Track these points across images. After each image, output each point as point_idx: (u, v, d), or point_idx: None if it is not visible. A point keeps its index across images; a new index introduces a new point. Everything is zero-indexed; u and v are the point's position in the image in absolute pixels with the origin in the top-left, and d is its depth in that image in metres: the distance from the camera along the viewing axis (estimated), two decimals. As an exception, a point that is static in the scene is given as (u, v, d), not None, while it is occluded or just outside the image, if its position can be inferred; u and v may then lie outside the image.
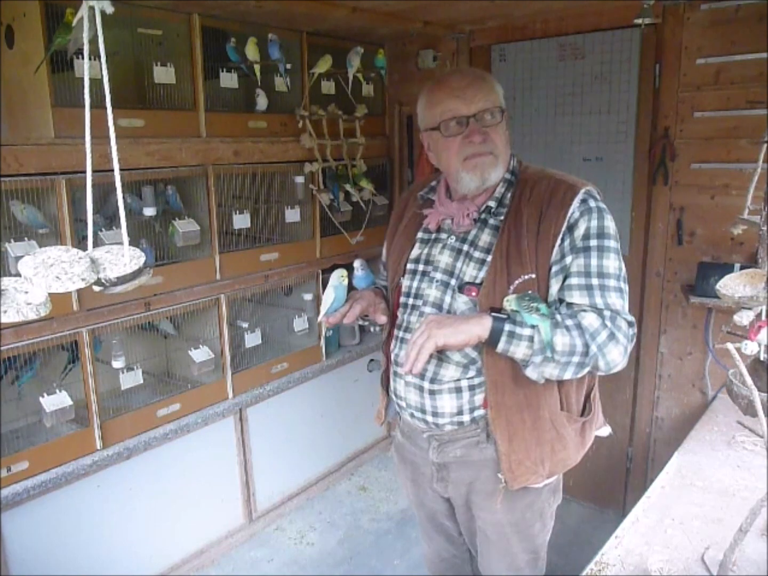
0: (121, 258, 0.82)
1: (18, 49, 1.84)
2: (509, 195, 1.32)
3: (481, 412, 1.35)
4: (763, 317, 1.48)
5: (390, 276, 1.50)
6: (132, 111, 2.04)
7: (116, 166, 0.81)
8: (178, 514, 2.36)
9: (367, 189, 2.80)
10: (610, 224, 1.26)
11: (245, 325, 2.55)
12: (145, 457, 2.19)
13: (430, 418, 1.38)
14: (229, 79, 2.32)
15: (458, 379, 1.34)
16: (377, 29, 2.60)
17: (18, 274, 0.77)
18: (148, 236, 2.18)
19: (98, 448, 2.05)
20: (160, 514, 2.30)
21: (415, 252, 1.43)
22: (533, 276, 1.25)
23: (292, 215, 2.59)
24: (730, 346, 1.27)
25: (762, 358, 1.51)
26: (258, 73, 2.36)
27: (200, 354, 2.33)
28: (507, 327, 1.17)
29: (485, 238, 1.32)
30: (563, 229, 1.24)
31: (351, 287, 1.52)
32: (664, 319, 2.44)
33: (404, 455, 1.58)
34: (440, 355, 1.32)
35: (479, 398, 1.34)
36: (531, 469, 1.36)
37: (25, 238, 1.81)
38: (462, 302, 1.30)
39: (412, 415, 1.42)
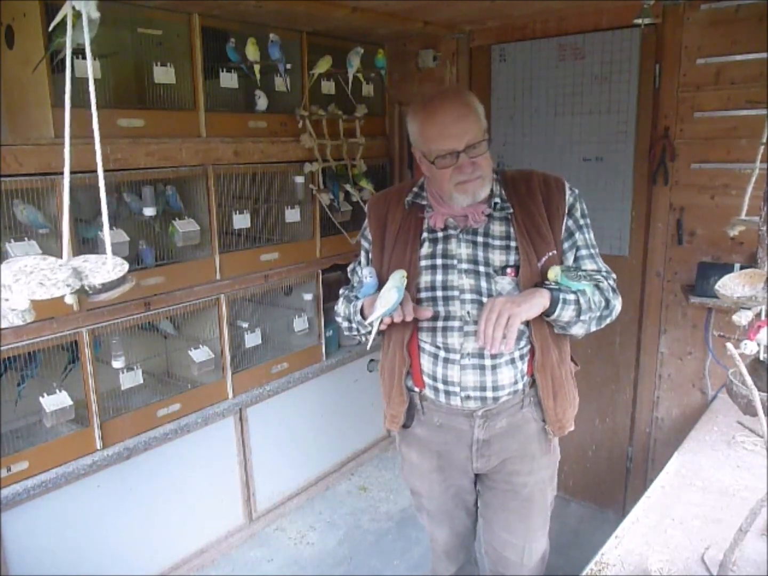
0: (102, 266, 0.82)
1: (18, 49, 1.84)
2: (503, 191, 1.52)
3: (527, 378, 1.54)
4: (763, 317, 1.48)
5: None
6: (132, 111, 2.03)
7: (100, 167, 0.81)
8: (178, 514, 2.36)
9: (367, 189, 2.80)
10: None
11: (245, 325, 2.55)
12: (145, 457, 2.19)
13: (490, 394, 1.51)
14: (229, 79, 2.32)
15: (513, 351, 1.50)
16: (377, 29, 2.60)
17: None
18: (148, 236, 2.19)
19: (98, 448, 2.05)
20: (160, 514, 2.30)
21: (426, 250, 1.53)
22: (554, 252, 1.47)
23: (292, 215, 2.59)
24: (730, 346, 1.28)
25: (762, 358, 1.51)
26: (258, 74, 2.36)
27: (200, 354, 2.34)
28: (561, 296, 1.40)
29: (499, 228, 1.49)
30: (566, 209, 1.50)
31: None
32: (664, 319, 2.44)
33: (428, 447, 1.64)
34: None
35: (527, 366, 1.53)
36: (569, 417, 1.60)
37: (25, 238, 1.81)
38: (506, 283, 1.46)
39: (467, 397, 1.52)
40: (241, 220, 2.39)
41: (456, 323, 1.49)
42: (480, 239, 1.49)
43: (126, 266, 0.84)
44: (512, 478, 1.60)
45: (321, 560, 2.53)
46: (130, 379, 2.15)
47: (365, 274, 1.52)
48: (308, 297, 2.75)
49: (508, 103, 2.70)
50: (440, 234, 1.52)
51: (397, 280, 1.40)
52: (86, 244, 2.01)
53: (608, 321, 1.52)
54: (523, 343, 1.50)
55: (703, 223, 2.28)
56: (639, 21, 1.92)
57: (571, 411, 1.61)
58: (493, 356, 1.48)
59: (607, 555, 1.32)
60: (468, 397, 1.52)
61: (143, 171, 2.07)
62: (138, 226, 2.18)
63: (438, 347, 1.52)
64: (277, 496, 2.77)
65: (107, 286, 0.82)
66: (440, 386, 1.53)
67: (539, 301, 1.38)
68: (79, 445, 2.01)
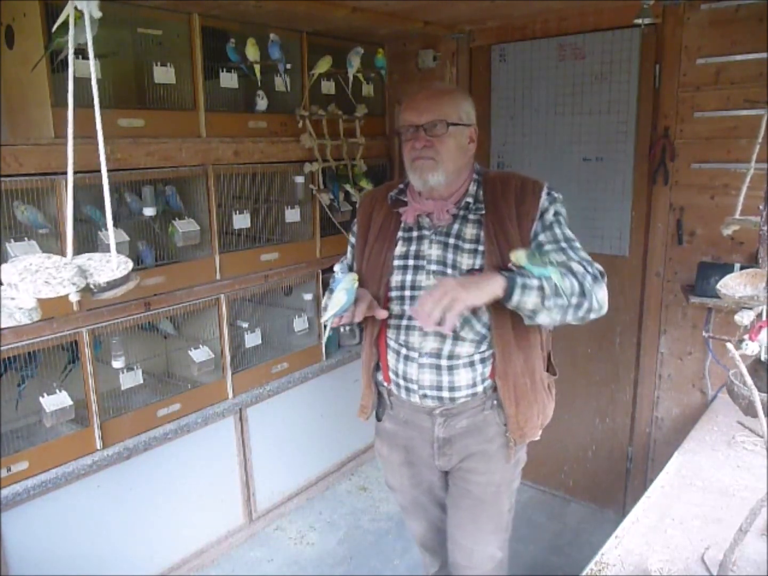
0: (107, 264, 0.82)
1: (18, 49, 1.84)
2: (481, 193, 1.51)
3: (489, 382, 1.52)
4: (764, 317, 1.48)
5: (375, 275, 1.57)
6: (132, 111, 2.03)
7: (104, 167, 0.81)
8: (178, 514, 2.36)
9: (367, 189, 2.80)
10: (565, 210, 1.52)
11: (245, 325, 2.55)
12: (145, 457, 2.19)
13: (446, 394, 1.51)
14: (229, 79, 2.32)
15: (472, 354, 1.50)
16: (377, 29, 2.60)
17: None
18: (148, 236, 2.18)
19: (98, 448, 2.05)
20: (160, 514, 2.30)
21: (400, 249, 1.55)
22: None
23: (292, 215, 2.59)
24: (730, 346, 1.28)
25: (762, 358, 1.51)
26: (258, 74, 2.36)
27: (200, 354, 2.34)
28: (519, 281, 1.31)
29: (470, 231, 1.49)
30: (537, 214, 1.47)
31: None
32: (664, 319, 2.44)
33: (396, 442, 1.68)
34: (456, 335, 1.48)
35: (488, 369, 1.52)
36: (535, 424, 1.57)
37: (25, 238, 1.81)
38: None
39: (424, 396, 1.53)
40: (241, 220, 2.39)
41: (418, 322, 1.47)
42: (451, 241, 1.49)
43: (130, 264, 0.85)
44: (467, 475, 1.61)
45: (321, 560, 2.53)
46: (130, 379, 2.15)
47: (336, 270, 1.56)
48: (308, 297, 2.75)
49: (508, 103, 2.70)
50: (415, 234, 1.54)
51: (348, 282, 1.45)
52: (87, 243, 2.00)
53: (592, 313, 1.40)
54: (484, 347, 1.50)
55: (703, 223, 2.28)
56: (639, 21, 1.92)
57: (537, 420, 1.58)
58: (450, 357, 1.49)
59: (607, 555, 1.32)
60: (425, 396, 1.53)
61: (143, 171, 2.07)
62: (138, 226, 2.18)
63: (401, 345, 1.54)
64: (277, 496, 2.77)
65: (112, 284, 0.82)
66: (401, 383, 1.57)
67: (490, 289, 1.31)
68: (79, 445, 2.01)
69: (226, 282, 2.38)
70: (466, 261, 1.47)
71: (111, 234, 0.85)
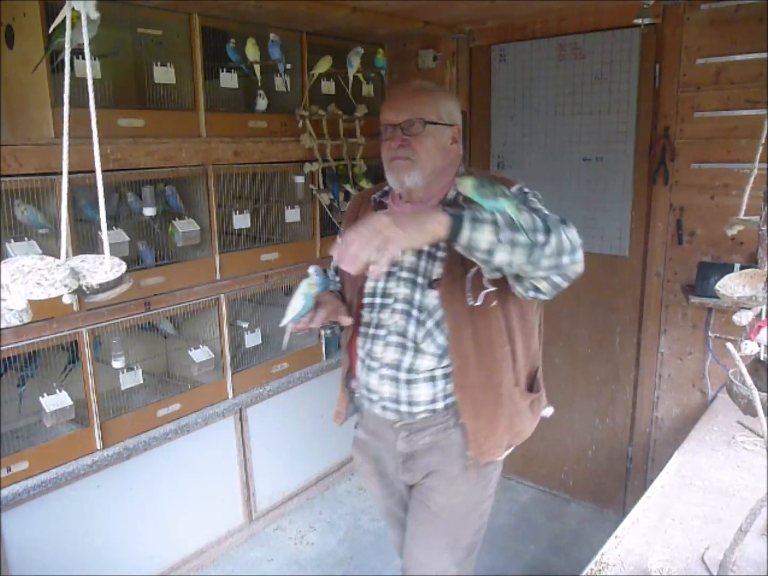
0: (100, 266, 0.82)
1: (18, 49, 1.84)
2: (461, 198, 1.40)
3: (452, 398, 1.44)
4: (763, 317, 1.48)
5: (350, 279, 1.53)
6: (132, 111, 2.03)
7: (98, 167, 0.81)
8: (178, 514, 2.36)
9: (366, 189, 2.80)
10: (539, 200, 1.37)
11: (245, 325, 2.55)
12: (145, 457, 2.19)
13: (404, 408, 1.45)
14: (229, 79, 2.32)
15: (433, 369, 1.42)
16: (377, 29, 2.60)
17: None
18: (148, 236, 2.18)
19: (98, 448, 2.05)
20: (160, 514, 2.30)
21: None
22: None
23: (292, 215, 2.59)
24: (730, 346, 1.27)
25: (762, 358, 1.51)
26: (258, 74, 2.36)
27: (200, 354, 2.33)
28: (468, 214, 1.12)
29: None
30: None
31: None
32: (664, 319, 2.44)
33: (367, 452, 1.66)
34: (416, 347, 1.41)
35: (451, 386, 1.43)
36: (496, 443, 1.47)
37: (25, 238, 1.81)
38: (433, 297, 1.39)
39: (384, 408, 1.48)
40: (241, 220, 2.39)
41: (382, 332, 1.45)
42: (427, 248, 1.40)
43: (123, 266, 0.84)
44: (429, 492, 1.54)
45: (321, 560, 2.53)
46: (130, 379, 2.15)
47: (310, 271, 1.49)
48: (308, 297, 2.74)
49: (508, 103, 2.70)
50: None
51: (305, 286, 1.41)
52: (87, 243, 2.00)
53: (565, 256, 1.17)
54: (446, 361, 1.42)
55: (703, 223, 2.28)
56: (639, 21, 1.92)
57: (502, 439, 1.47)
58: (409, 370, 1.42)
59: (607, 555, 1.32)
60: (385, 408, 1.48)
61: (143, 171, 2.07)
62: (138, 226, 2.18)
63: (366, 354, 1.49)
64: (277, 496, 2.77)
65: (104, 287, 0.82)
66: (365, 392, 1.53)
67: (430, 228, 1.11)
68: (79, 445, 2.01)
69: (226, 282, 2.38)
70: (436, 270, 1.40)
71: (104, 235, 0.85)
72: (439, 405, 1.45)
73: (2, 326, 0.77)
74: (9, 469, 1.85)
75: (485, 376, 1.41)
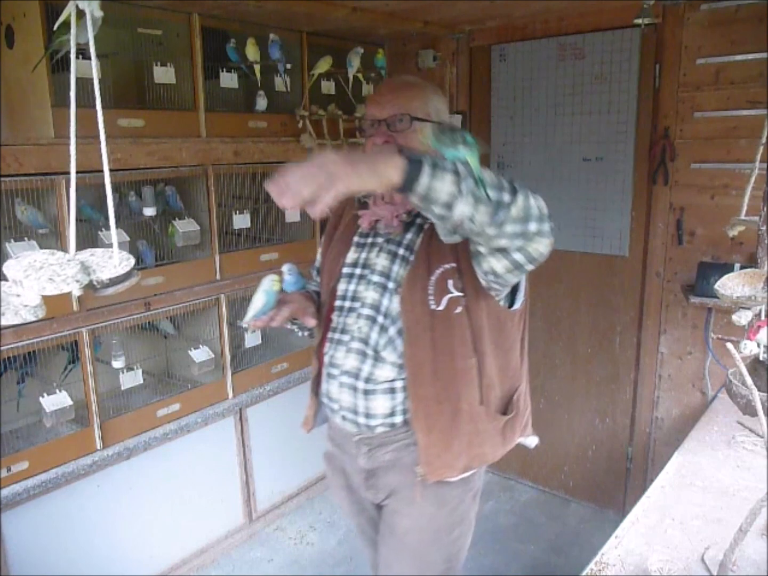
0: (109, 260, 0.82)
1: (18, 49, 1.84)
2: None
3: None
4: (763, 317, 1.48)
5: (325, 280, 1.49)
6: (132, 111, 2.03)
7: (105, 166, 0.81)
8: (178, 514, 2.36)
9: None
10: None
11: (245, 325, 2.55)
12: (145, 457, 2.19)
13: (362, 420, 1.36)
14: (229, 79, 2.32)
15: (393, 380, 1.34)
16: (377, 29, 2.60)
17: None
18: (148, 236, 2.19)
19: (98, 448, 2.05)
20: (160, 514, 2.30)
21: (351, 256, 1.43)
22: (454, 265, 1.27)
23: (292, 215, 2.59)
24: (730, 346, 1.27)
25: (762, 358, 1.51)
26: (258, 74, 2.36)
27: (200, 354, 2.34)
28: (429, 160, 0.98)
29: (417, 240, 1.34)
30: None
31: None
32: (664, 319, 2.44)
33: (335, 464, 1.57)
34: (376, 355, 1.34)
35: None
36: (447, 462, 1.35)
37: (25, 238, 1.81)
38: (397, 302, 1.32)
39: (344, 418, 1.40)
40: (241, 220, 2.39)
41: (346, 337, 1.37)
42: (401, 252, 1.34)
43: (132, 260, 0.85)
44: (393, 515, 1.45)
45: (321, 560, 2.53)
46: (130, 379, 2.15)
47: (284, 270, 1.45)
48: (308, 297, 2.74)
49: (508, 103, 2.70)
50: (369, 240, 1.41)
51: (267, 284, 1.36)
52: (87, 243, 2.01)
53: (532, 223, 1.06)
54: (406, 373, 1.33)
55: (703, 223, 2.29)
56: (639, 21, 1.92)
57: (457, 460, 1.35)
58: (368, 380, 1.33)
59: (607, 555, 1.32)
60: (345, 418, 1.39)
61: (143, 171, 2.07)
62: (138, 226, 2.18)
63: (329, 360, 1.41)
64: (277, 496, 2.77)
65: (114, 281, 0.82)
66: (326, 401, 1.44)
67: (383, 170, 0.96)
68: (79, 445, 2.01)
69: (226, 282, 2.38)
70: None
71: (113, 230, 0.85)
72: (398, 419, 1.35)
73: (18, 322, 0.77)
74: (9, 469, 1.85)
75: (441, 386, 1.31)
